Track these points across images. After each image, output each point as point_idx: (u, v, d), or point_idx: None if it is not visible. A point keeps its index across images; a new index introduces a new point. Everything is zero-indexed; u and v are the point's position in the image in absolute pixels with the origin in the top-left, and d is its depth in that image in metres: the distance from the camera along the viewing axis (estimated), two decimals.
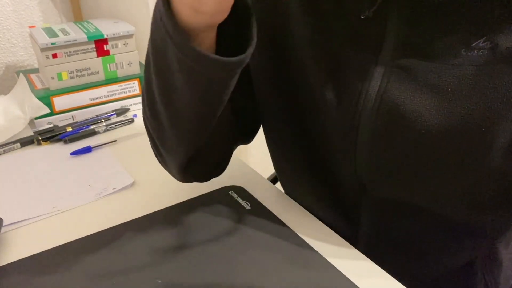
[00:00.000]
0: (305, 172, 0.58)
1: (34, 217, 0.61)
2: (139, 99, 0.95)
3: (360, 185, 0.52)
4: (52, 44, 0.85)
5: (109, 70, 0.93)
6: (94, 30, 0.90)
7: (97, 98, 0.91)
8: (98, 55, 0.91)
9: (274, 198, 0.63)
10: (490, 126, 0.42)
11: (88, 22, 0.96)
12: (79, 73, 0.90)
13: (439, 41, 0.41)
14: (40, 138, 0.81)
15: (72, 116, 0.89)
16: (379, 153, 0.48)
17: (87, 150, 0.78)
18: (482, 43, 0.39)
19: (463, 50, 0.40)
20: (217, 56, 0.39)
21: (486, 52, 0.40)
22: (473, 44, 0.40)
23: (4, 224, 0.58)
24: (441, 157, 0.45)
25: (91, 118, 0.87)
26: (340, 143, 0.50)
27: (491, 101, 0.41)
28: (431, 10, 0.41)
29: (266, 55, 0.53)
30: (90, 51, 0.90)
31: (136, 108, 0.95)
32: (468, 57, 0.40)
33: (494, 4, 0.38)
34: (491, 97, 0.41)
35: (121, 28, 0.92)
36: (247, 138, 0.62)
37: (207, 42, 0.42)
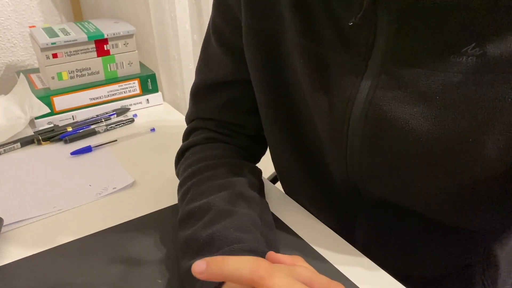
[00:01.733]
0: (301, 175, 0.58)
1: (34, 217, 0.61)
2: (139, 98, 0.95)
3: (354, 188, 0.52)
4: (52, 44, 0.85)
5: (109, 70, 0.93)
6: (95, 30, 0.90)
7: (97, 98, 0.91)
8: (98, 55, 0.91)
9: (274, 198, 0.63)
10: (477, 137, 0.41)
11: (88, 22, 0.96)
12: (79, 73, 0.90)
13: (428, 46, 0.41)
14: (40, 138, 0.81)
15: (72, 116, 0.89)
16: (369, 158, 0.48)
17: (87, 150, 0.78)
18: (471, 49, 0.39)
19: (452, 56, 0.40)
20: None
21: (475, 59, 0.39)
22: (462, 50, 0.39)
23: (4, 224, 0.58)
24: (429, 163, 0.44)
25: (91, 118, 0.88)
26: (332, 148, 0.51)
27: (478, 111, 0.40)
28: (421, 16, 0.41)
29: (260, 61, 0.53)
30: (90, 51, 0.90)
31: (136, 108, 0.95)
32: (457, 63, 0.40)
33: (484, 12, 0.38)
34: (478, 107, 0.40)
35: (121, 28, 0.92)
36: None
37: None
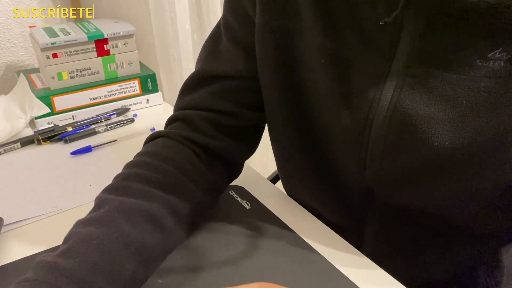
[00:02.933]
0: (312, 177, 0.57)
1: (34, 217, 0.61)
2: (139, 98, 0.95)
3: (369, 191, 0.51)
4: (52, 44, 0.85)
5: (109, 69, 0.93)
6: (95, 30, 0.90)
7: (97, 98, 0.91)
8: (98, 55, 0.91)
9: (274, 198, 0.63)
10: (504, 141, 0.41)
11: (88, 22, 0.96)
12: (79, 73, 0.90)
13: (454, 50, 0.41)
14: (40, 138, 0.81)
15: (73, 116, 0.89)
16: (390, 162, 0.47)
17: (88, 149, 0.78)
18: (499, 54, 0.39)
19: (479, 60, 0.40)
20: None
21: (502, 64, 0.39)
22: (489, 55, 0.39)
23: (4, 224, 0.58)
24: (453, 168, 0.44)
25: (91, 118, 0.88)
26: (350, 151, 0.50)
27: (506, 115, 0.40)
28: (448, 19, 0.40)
29: (275, 60, 0.52)
30: (90, 51, 0.90)
31: (136, 107, 0.95)
32: (484, 68, 0.40)
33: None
34: (506, 111, 0.40)
35: (122, 28, 0.92)
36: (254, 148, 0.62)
37: None
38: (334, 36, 0.47)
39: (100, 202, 0.46)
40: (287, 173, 0.63)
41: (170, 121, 0.59)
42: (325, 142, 0.52)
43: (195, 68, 0.59)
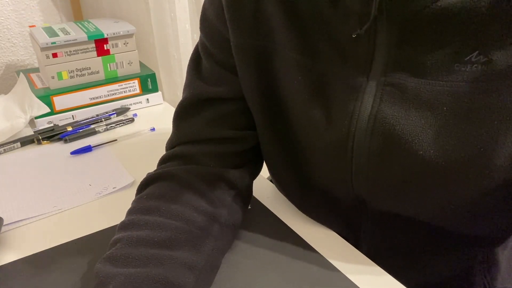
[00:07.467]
0: (302, 190, 0.56)
1: (34, 217, 0.61)
2: (139, 98, 0.95)
3: (360, 201, 0.51)
4: (52, 43, 0.85)
5: (109, 69, 0.93)
6: (94, 30, 0.90)
7: (97, 98, 0.91)
8: (98, 55, 0.91)
9: (274, 198, 0.63)
10: (489, 146, 0.41)
11: (88, 22, 0.96)
12: (79, 73, 0.90)
13: (431, 56, 0.40)
14: (40, 138, 0.81)
15: (72, 116, 0.89)
16: (376, 173, 0.47)
17: (87, 149, 0.78)
18: (475, 57, 0.38)
19: (456, 65, 0.39)
20: None
21: (480, 67, 0.39)
22: (466, 59, 0.39)
23: (4, 223, 0.58)
24: (440, 176, 0.44)
25: (91, 118, 0.88)
26: (335, 164, 0.49)
27: (487, 120, 0.40)
28: (422, 26, 0.40)
29: (254, 79, 0.51)
30: (90, 51, 0.90)
31: (136, 107, 0.95)
32: (462, 72, 0.39)
33: (487, 19, 0.37)
34: (487, 115, 0.40)
35: (121, 27, 0.92)
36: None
37: None
38: (309, 52, 0.46)
39: (103, 279, 0.41)
40: (278, 185, 0.62)
41: (170, 158, 0.55)
42: (310, 159, 0.52)
43: (182, 96, 0.56)
